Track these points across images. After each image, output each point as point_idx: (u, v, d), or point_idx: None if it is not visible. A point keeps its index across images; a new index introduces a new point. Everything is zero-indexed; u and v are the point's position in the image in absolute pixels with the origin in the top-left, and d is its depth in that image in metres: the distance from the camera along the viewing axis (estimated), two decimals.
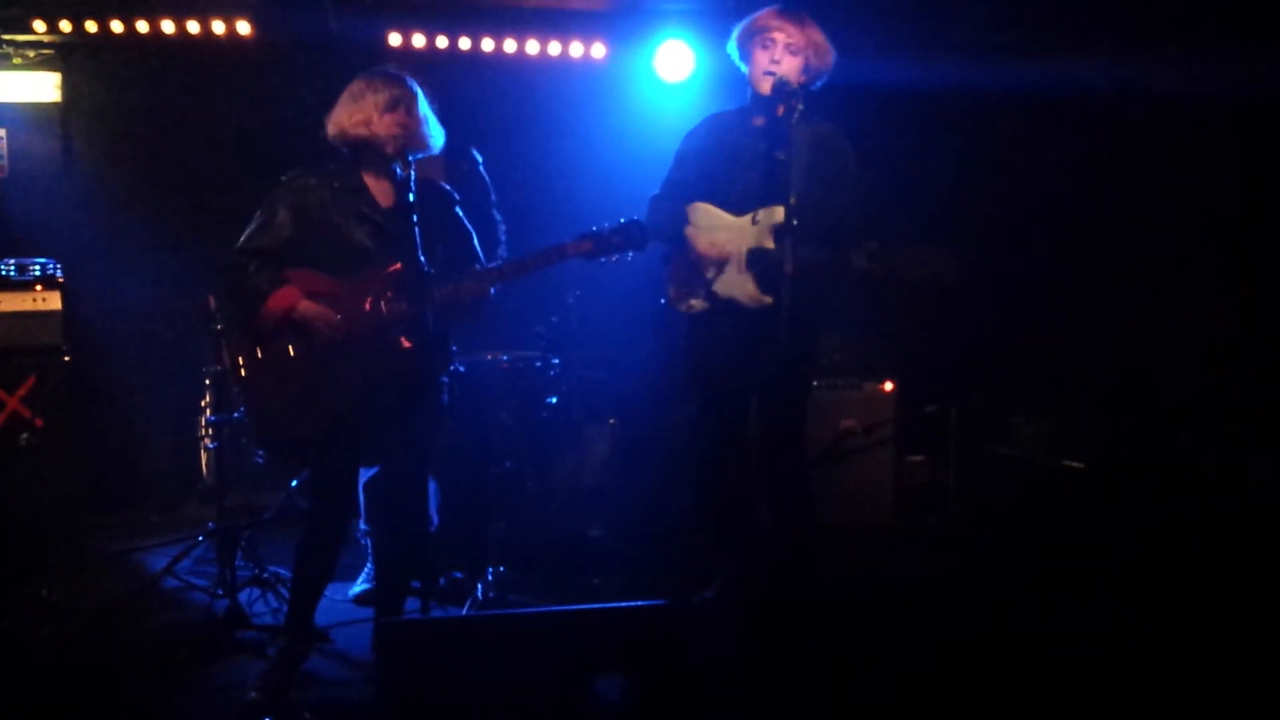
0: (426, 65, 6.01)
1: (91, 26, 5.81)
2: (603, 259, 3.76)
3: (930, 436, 5.55)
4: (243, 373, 3.70)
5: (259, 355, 3.66)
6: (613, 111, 6.36)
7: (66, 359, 5.02)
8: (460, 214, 3.96)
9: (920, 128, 5.83)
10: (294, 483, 5.55)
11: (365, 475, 4.66)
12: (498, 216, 4.82)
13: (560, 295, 5.23)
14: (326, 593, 4.57)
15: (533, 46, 6.22)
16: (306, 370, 3.62)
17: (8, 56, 5.87)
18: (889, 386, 5.42)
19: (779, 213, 3.85)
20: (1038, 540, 4.97)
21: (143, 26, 5.83)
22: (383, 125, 3.65)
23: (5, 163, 5.99)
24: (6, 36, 5.81)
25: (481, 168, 4.82)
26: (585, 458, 5.32)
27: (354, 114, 3.67)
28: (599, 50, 6.28)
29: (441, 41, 6.10)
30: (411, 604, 4.40)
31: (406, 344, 3.63)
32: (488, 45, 6.17)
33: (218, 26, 5.87)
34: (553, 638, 3.39)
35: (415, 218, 3.64)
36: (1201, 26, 4.81)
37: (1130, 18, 5.06)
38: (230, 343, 3.92)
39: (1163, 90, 4.85)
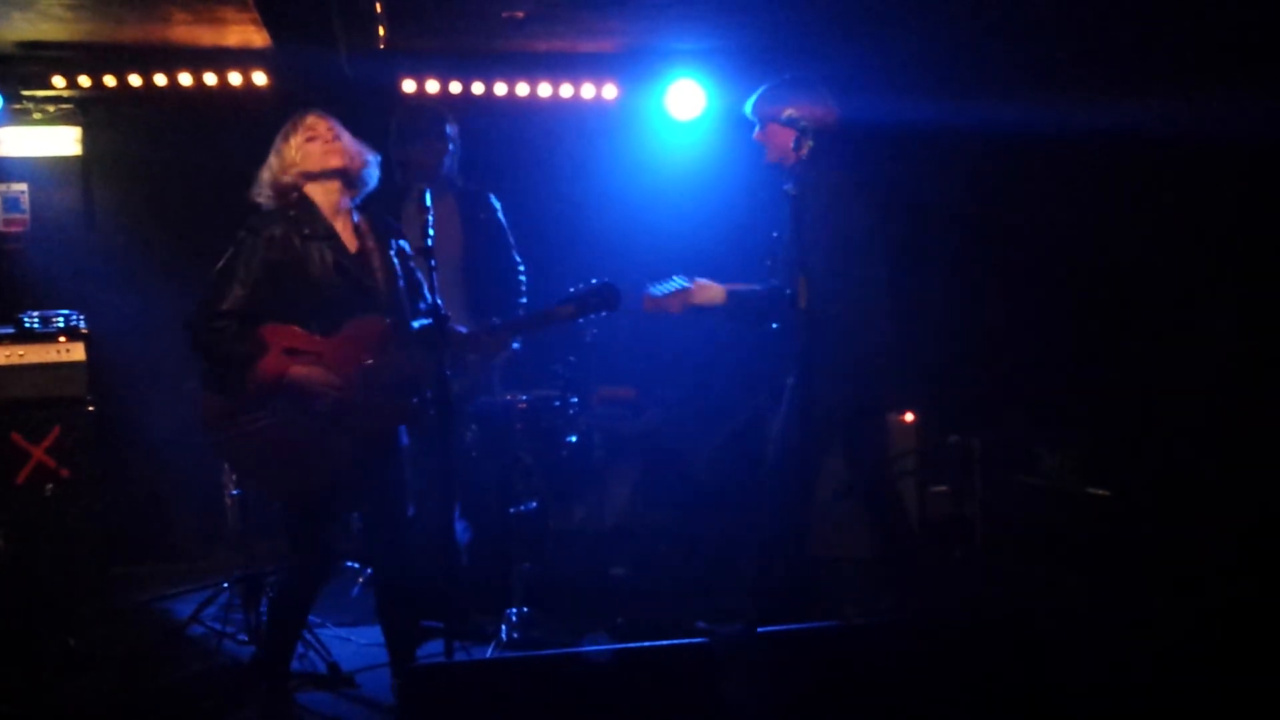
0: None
1: (110, 81, 5.88)
2: (581, 319, 3.86)
3: (954, 467, 5.52)
4: (225, 434, 3.56)
5: (245, 418, 3.54)
6: (625, 150, 6.42)
7: (91, 409, 5.07)
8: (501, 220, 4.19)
9: (938, 166, 5.87)
10: None
11: None
12: (518, 259, 4.86)
13: (578, 334, 5.25)
14: (351, 637, 4.63)
15: (545, 89, 6.27)
16: (297, 431, 3.53)
17: (28, 112, 5.95)
18: (910, 417, 5.40)
19: None
20: (1066, 570, 4.93)
21: (160, 80, 5.91)
22: (310, 157, 3.62)
23: (28, 216, 6.06)
24: (27, 92, 5.89)
25: (500, 214, 4.87)
26: (607, 496, 5.31)
27: (275, 168, 3.66)
28: (610, 91, 6.33)
29: (455, 87, 6.16)
30: (435, 647, 4.41)
31: (399, 400, 3.64)
32: (501, 90, 6.23)
33: (234, 78, 5.94)
34: (577, 679, 3.37)
35: (397, 263, 3.68)
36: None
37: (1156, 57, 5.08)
38: (209, 403, 3.60)
39: (1174, 126, 4.85)
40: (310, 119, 3.67)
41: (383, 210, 3.92)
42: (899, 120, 5.28)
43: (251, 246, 3.57)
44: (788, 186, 3.90)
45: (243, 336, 3.50)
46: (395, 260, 3.77)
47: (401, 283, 3.75)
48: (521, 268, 4.84)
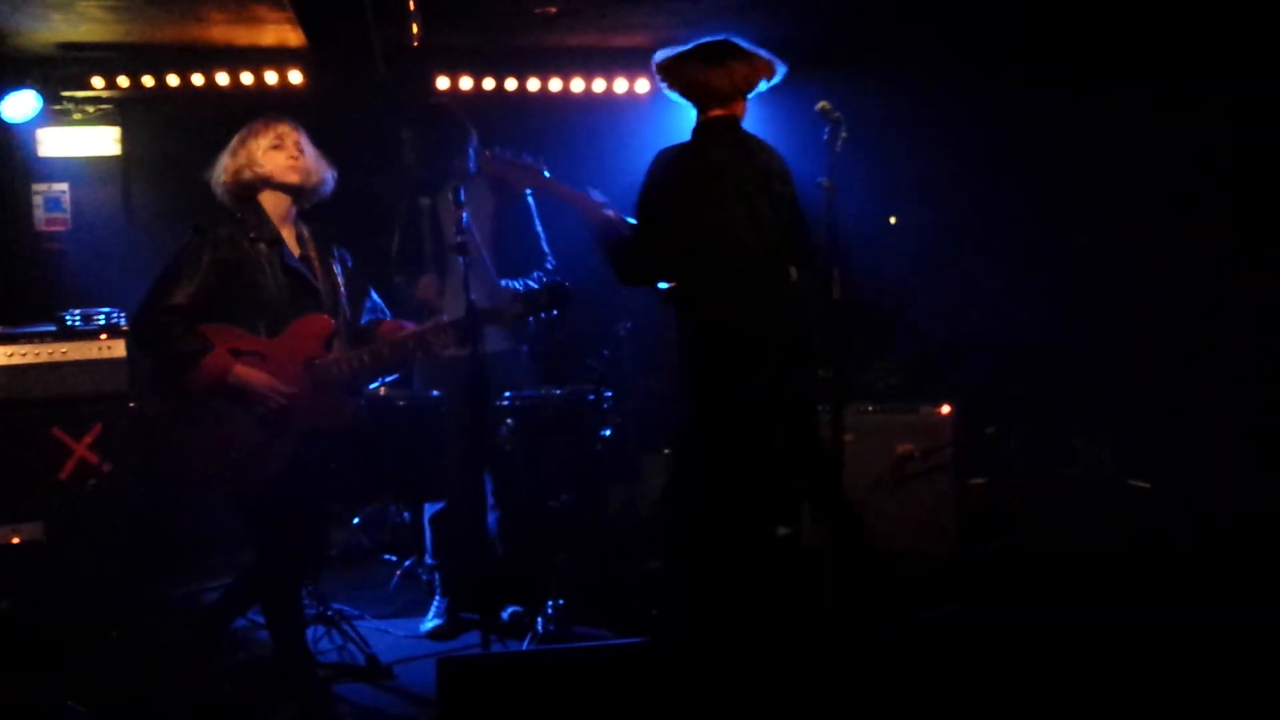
0: (474, 107, 6.12)
1: (148, 81, 5.96)
2: (531, 318, 3.93)
3: (992, 459, 5.48)
4: (172, 435, 3.61)
5: (188, 414, 3.56)
6: (659, 144, 6.39)
7: (132, 405, 5.12)
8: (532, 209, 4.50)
9: (969, 156, 5.84)
10: (356, 520, 5.61)
11: (431, 510, 4.71)
12: (547, 250, 4.85)
13: (612, 328, 5.26)
14: (389, 629, 4.66)
15: (578, 84, 6.29)
16: (242, 431, 3.56)
17: (68, 113, 6.04)
18: (946, 409, 5.36)
19: None
20: (1106, 562, 4.87)
21: (198, 79, 5.98)
22: (273, 164, 3.67)
23: (69, 215, 6.15)
24: (66, 94, 5.98)
25: (531, 203, 4.86)
26: (642, 489, 5.32)
27: (237, 160, 3.69)
28: (643, 85, 6.34)
29: (488, 83, 6.19)
30: (472, 639, 4.44)
31: (343, 400, 3.73)
32: (534, 85, 6.25)
33: (270, 77, 6.00)
34: (613, 671, 3.38)
35: (339, 269, 3.77)
36: None
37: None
38: (151, 400, 3.71)
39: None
40: (281, 127, 3.73)
41: (327, 222, 3.98)
42: (939, 109, 5.26)
43: (199, 246, 3.60)
44: (822, 180, 3.87)
45: (188, 334, 3.52)
46: (338, 268, 3.84)
47: (345, 290, 3.83)
48: (550, 262, 4.85)
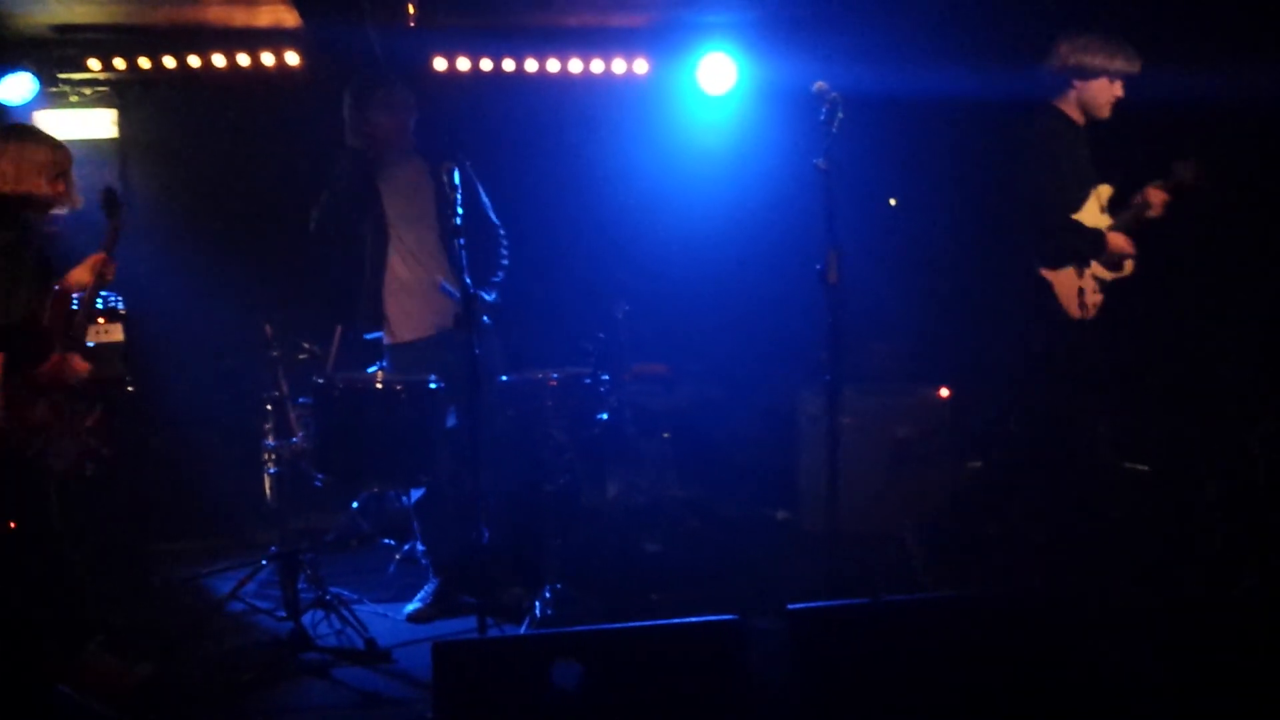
0: (471, 87, 6.12)
1: (145, 63, 5.94)
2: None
3: (989, 442, 5.47)
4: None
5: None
6: (657, 125, 6.39)
7: (130, 389, 5.12)
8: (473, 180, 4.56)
9: (977, 133, 5.80)
10: (354, 504, 5.62)
11: (415, 495, 4.72)
12: (495, 220, 4.81)
13: (609, 310, 5.25)
14: (388, 613, 4.67)
15: (576, 65, 6.26)
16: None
17: (65, 95, 6.02)
18: (944, 393, 5.36)
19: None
20: (1102, 545, 4.88)
21: (194, 61, 5.96)
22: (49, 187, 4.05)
23: None
24: (63, 75, 5.96)
25: (471, 174, 4.80)
26: (639, 473, 5.32)
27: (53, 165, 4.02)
28: (641, 66, 6.31)
29: (485, 64, 6.16)
30: (468, 623, 4.45)
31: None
32: (531, 66, 6.22)
33: (267, 58, 5.97)
34: (611, 655, 3.39)
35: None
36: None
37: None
38: None
39: (1227, 95, 4.78)
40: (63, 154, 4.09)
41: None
42: (926, 88, 5.21)
43: None
44: (818, 161, 3.84)
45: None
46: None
47: None
48: (502, 231, 4.83)
